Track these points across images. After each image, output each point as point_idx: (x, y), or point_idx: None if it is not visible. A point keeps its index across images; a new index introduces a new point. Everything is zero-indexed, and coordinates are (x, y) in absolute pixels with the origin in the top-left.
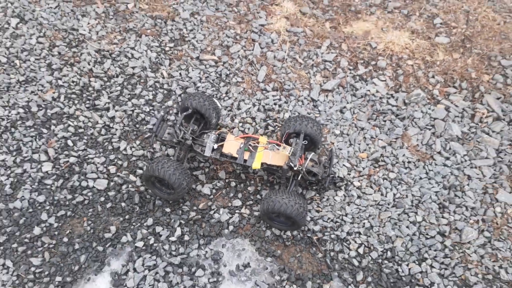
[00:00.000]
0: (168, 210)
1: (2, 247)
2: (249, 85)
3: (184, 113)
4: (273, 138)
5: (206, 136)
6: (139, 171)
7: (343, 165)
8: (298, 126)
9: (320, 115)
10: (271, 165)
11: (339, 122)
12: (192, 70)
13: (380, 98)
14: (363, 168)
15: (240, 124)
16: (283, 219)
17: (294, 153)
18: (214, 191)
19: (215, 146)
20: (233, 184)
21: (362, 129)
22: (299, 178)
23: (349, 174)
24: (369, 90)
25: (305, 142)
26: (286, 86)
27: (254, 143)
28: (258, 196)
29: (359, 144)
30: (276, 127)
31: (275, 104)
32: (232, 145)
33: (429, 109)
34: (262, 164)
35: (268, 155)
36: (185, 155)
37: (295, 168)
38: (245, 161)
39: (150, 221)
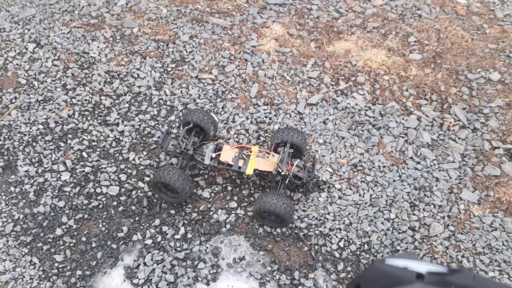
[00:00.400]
0: (172, 212)
1: (29, 246)
2: (242, 100)
3: (186, 127)
4: (264, 147)
5: (206, 146)
6: (147, 178)
7: (326, 170)
8: (285, 136)
9: (306, 126)
10: (262, 171)
11: (322, 132)
12: (192, 88)
13: (359, 110)
14: (344, 173)
15: (235, 135)
16: (273, 218)
17: (282, 160)
18: (213, 194)
19: (213, 155)
20: (229, 188)
21: (343, 138)
22: (286, 182)
23: (331, 178)
24: (349, 103)
25: (291, 150)
26: (276, 101)
27: (247, 152)
28: (252, 199)
29: (340, 151)
30: (267, 137)
31: (266, 117)
32: (228, 154)
33: (403, 119)
34: (254, 170)
35: (259, 162)
36: (187, 163)
37: (282, 173)
38: (239, 167)
39: (157, 221)
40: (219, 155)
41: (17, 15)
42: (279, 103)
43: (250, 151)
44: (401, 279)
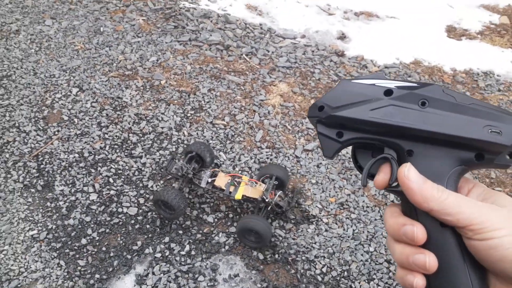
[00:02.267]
0: (180, 232)
1: (58, 251)
2: (248, 143)
3: (188, 155)
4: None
5: (203, 172)
6: None
7: (316, 206)
8: (271, 170)
9: (301, 168)
10: (249, 197)
11: (315, 174)
12: (206, 131)
13: (349, 158)
14: (331, 209)
15: (240, 172)
16: (253, 239)
17: (267, 189)
18: (216, 220)
19: (209, 180)
20: (231, 215)
21: (333, 180)
22: (269, 209)
23: (320, 213)
24: (340, 152)
25: (276, 182)
26: (277, 145)
27: (239, 180)
28: None
29: (330, 191)
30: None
31: (267, 158)
32: (222, 180)
33: None
34: (242, 196)
35: (248, 189)
36: (186, 185)
37: (266, 200)
38: (230, 192)
39: (167, 239)
40: (214, 180)
41: (66, 65)
42: (279, 147)
43: (241, 179)
44: (368, 96)
